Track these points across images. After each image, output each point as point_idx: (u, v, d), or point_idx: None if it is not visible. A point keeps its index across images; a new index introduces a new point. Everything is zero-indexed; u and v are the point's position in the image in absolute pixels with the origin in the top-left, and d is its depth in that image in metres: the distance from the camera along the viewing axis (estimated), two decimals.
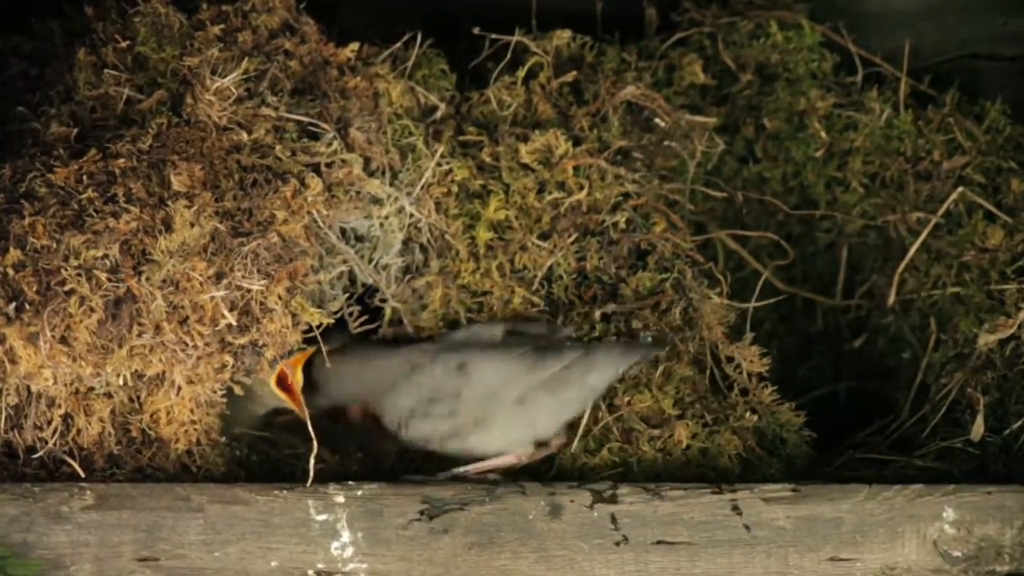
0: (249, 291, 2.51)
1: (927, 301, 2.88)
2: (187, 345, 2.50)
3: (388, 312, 2.77)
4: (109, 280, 2.46)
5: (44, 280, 2.45)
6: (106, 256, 2.47)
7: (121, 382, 2.49)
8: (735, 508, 2.56)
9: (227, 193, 2.53)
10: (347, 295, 2.71)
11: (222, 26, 2.69)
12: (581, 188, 2.77)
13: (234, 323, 2.50)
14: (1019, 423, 2.69)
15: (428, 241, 2.75)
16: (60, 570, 2.45)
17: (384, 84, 2.75)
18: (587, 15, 3.03)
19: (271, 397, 2.69)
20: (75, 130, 2.60)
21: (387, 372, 2.70)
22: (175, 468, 2.58)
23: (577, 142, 2.80)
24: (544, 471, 2.66)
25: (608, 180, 2.78)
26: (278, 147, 2.60)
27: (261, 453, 2.74)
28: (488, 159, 2.79)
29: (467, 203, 2.77)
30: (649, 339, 2.70)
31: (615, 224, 2.77)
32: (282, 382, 2.67)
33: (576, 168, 2.78)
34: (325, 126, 2.65)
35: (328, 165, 2.63)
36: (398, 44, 2.80)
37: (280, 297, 2.54)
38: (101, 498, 2.48)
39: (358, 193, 2.66)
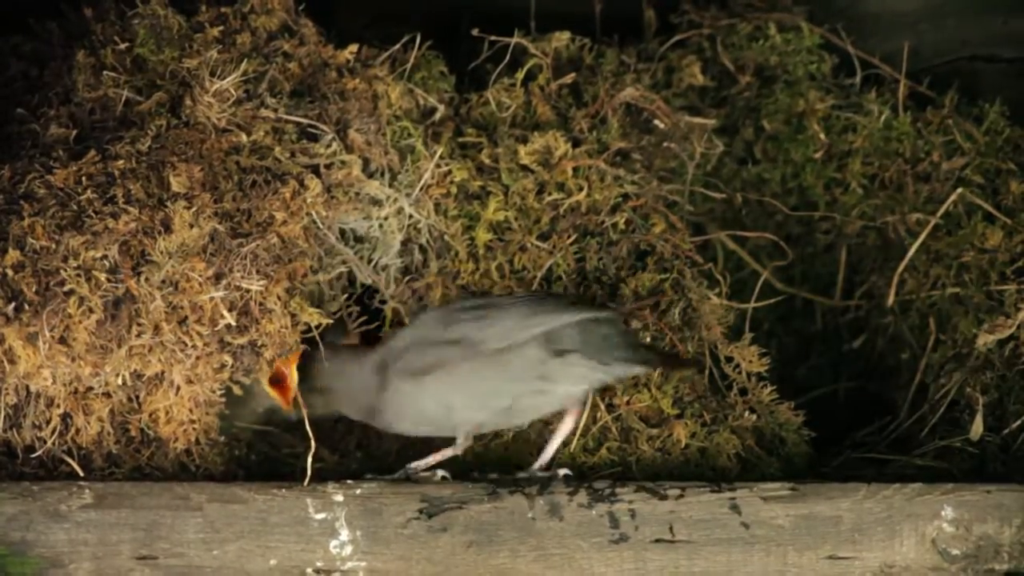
0: (248, 291, 2.52)
1: (926, 301, 2.88)
2: (186, 345, 2.50)
3: (388, 313, 2.77)
4: (108, 280, 2.47)
5: (43, 280, 2.46)
6: (105, 257, 2.48)
7: (120, 382, 2.50)
8: (734, 507, 2.56)
9: (226, 194, 2.54)
10: (346, 296, 2.72)
11: (221, 28, 2.70)
12: (580, 189, 2.77)
13: (233, 323, 2.51)
14: (1018, 423, 2.69)
15: (427, 242, 2.75)
16: (59, 568, 2.46)
17: (383, 86, 2.75)
18: (586, 17, 3.03)
19: (266, 395, 2.69)
20: (74, 131, 2.61)
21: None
22: (174, 467, 2.58)
23: (576, 143, 2.81)
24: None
25: (607, 181, 2.78)
26: (277, 148, 2.60)
27: (260, 452, 2.74)
28: (487, 160, 2.79)
29: (466, 204, 2.77)
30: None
31: (614, 225, 2.77)
32: (277, 380, 2.63)
33: (575, 169, 2.78)
34: (324, 127, 2.65)
35: (327, 166, 2.64)
36: (397, 46, 2.80)
37: (279, 298, 2.54)
38: (100, 497, 2.48)
39: (357, 194, 2.66)
